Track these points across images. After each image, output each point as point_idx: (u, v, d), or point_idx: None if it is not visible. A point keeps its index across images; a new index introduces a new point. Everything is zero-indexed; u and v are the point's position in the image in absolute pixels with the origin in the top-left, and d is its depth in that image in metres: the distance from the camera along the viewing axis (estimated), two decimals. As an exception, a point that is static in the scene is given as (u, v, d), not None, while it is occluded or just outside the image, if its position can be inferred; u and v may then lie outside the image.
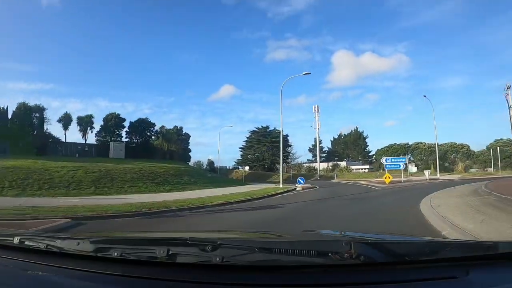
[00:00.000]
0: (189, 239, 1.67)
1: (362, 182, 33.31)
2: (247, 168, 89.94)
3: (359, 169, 73.57)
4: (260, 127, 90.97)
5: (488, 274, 1.28)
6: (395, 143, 77.17)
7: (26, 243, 1.80)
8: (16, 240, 1.82)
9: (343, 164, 69.84)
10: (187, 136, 72.47)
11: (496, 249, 1.35)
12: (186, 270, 1.40)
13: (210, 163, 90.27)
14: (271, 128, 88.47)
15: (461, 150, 78.40)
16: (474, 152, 76.58)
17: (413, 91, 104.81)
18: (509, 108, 41.53)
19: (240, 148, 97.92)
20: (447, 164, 61.40)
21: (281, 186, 29.17)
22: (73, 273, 1.50)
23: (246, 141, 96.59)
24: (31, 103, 51.70)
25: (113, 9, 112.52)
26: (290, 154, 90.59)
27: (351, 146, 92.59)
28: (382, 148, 78.16)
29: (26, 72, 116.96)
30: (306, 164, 70.83)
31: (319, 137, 71.24)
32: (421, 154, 73.37)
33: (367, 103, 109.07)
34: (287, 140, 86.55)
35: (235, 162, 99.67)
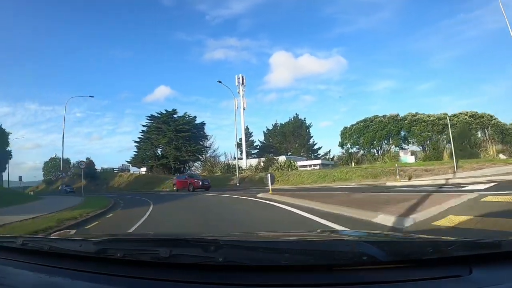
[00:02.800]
0: (191, 239, 1.65)
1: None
2: (143, 169, 69.31)
3: (306, 165, 51.80)
4: (164, 111, 67.22)
5: (491, 273, 1.27)
6: (376, 116, 54.71)
7: (29, 245, 1.83)
8: (19, 242, 1.84)
9: (281, 158, 46.68)
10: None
11: (499, 247, 1.36)
12: (188, 270, 1.40)
13: (88, 163, 64.16)
14: (180, 113, 66.63)
15: (490, 123, 47.50)
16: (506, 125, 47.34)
17: (346, 93, 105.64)
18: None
19: (135, 142, 72.82)
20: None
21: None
22: (76, 274, 1.49)
23: (142, 131, 71.32)
24: None
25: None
26: (206, 148, 67.99)
27: (290, 138, 71.20)
28: (354, 125, 56.32)
29: None
30: (231, 161, 51.49)
31: (244, 121, 53.07)
32: (425, 131, 48.21)
33: (303, 104, 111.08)
34: (203, 129, 68.87)
35: (127, 161, 74.52)
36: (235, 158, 45.56)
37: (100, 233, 4.20)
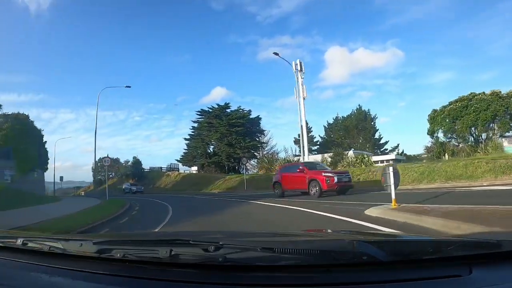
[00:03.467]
0: (191, 239, 1.67)
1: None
2: (194, 168, 63.86)
3: (378, 161, 44.15)
4: (216, 106, 62.13)
5: (491, 273, 1.30)
6: (473, 93, 39.69)
7: (29, 244, 1.87)
8: (19, 241, 1.89)
9: (351, 153, 39.53)
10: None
11: (499, 247, 1.39)
12: (188, 270, 1.44)
13: (135, 162, 67.75)
14: (233, 107, 60.64)
15: None
16: None
17: (403, 87, 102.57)
18: None
19: (185, 139, 67.54)
20: None
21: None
22: (76, 274, 1.52)
23: (192, 127, 66.33)
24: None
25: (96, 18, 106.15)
26: (263, 144, 61.99)
27: (353, 132, 63.30)
28: (447, 107, 41.12)
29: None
30: (291, 158, 43.30)
31: (304, 111, 40.32)
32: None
33: (360, 100, 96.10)
34: (258, 124, 61.78)
35: (177, 160, 69.04)
36: (295, 155, 42.28)
37: (101, 233, 4.48)
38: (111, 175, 79.74)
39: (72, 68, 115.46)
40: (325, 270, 1.33)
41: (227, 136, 52.71)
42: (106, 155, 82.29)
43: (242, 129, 53.50)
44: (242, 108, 55.65)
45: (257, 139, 56.18)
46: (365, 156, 33.51)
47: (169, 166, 65.93)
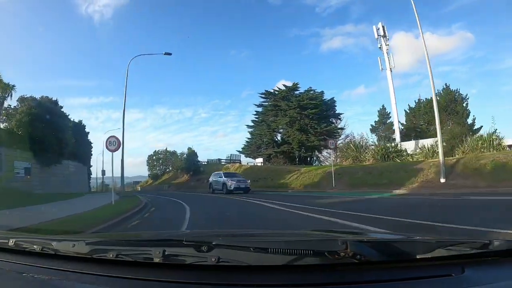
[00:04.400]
0: (184, 239, 1.71)
1: None
2: (259, 160, 53.31)
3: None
4: (282, 87, 52.95)
5: (483, 272, 1.35)
6: None
7: (21, 245, 1.89)
8: (11, 242, 1.90)
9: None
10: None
11: (491, 247, 1.46)
12: (182, 271, 1.46)
13: (190, 154, 59.06)
14: (302, 88, 51.24)
15: None
16: None
17: (472, 73, 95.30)
18: None
19: (249, 126, 58.11)
20: None
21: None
22: (69, 275, 1.54)
23: (256, 112, 56.98)
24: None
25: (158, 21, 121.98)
26: (339, 131, 51.94)
27: (443, 115, 45.04)
28: None
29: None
30: (389, 144, 33.99)
31: (393, 85, 38.63)
32: None
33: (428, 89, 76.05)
34: (333, 107, 51.64)
35: (239, 151, 59.75)
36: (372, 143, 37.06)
37: (93, 234, 4.57)
38: (167, 169, 73.65)
39: (137, 70, 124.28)
40: (319, 270, 1.38)
41: (298, 120, 47.91)
42: (165, 148, 76.74)
43: (316, 112, 47.85)
44: (313, 89, 50.64)
45: (333, 124, 50.93)
46: (493, 136, 25.53)
47: (229, 158, 58.69)
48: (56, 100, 36.85)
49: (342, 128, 51.27)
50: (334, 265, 1.38)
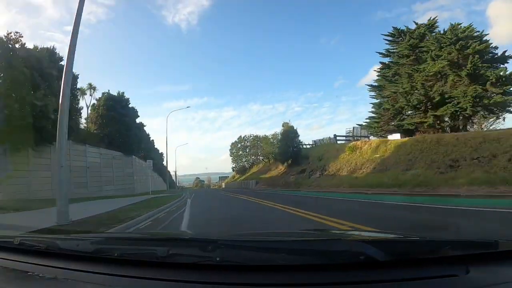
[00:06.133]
0: (189, 238, 1.89)
1: None
2: (393, 136, 34.53)
3: None
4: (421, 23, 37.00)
5: (488, 272, 1.38)
6: None
7: (26, 244, 2.00)
8: (16, 241, 2.02)
9: None
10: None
11: (496, 247, 1.49)
12: (186, 270, 1.53)
13: (287, 131, 42.17)
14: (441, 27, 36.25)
15: None
16: None
17: None
18: None
19: (369, 86, 37.92)
20: None
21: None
22: (73, 274, 1.62)
23: (381, 65, 36.48)
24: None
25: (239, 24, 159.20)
26: None
27: None
28: None
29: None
30: None
31: None
32: None
33: None
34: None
35: (359, 125, 39.59)
36: None
37: (98, 232, 4.67)
38: (257, 160, 58.43)
39: (225, 70, 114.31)
40: (323, 270, 1.43)
41: (461, 65, 30.35)
42: (240, 136, 70.45)
43: (482, 51, 31.24)
44: (459, 23, 33.53)
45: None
46: None
47: (350, 134, 39.36)
48: (123, 93, 42.53)
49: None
50: (338, 265, 1.43)
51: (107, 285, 1.45)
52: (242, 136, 72.04)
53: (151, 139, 64.12)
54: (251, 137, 70.22)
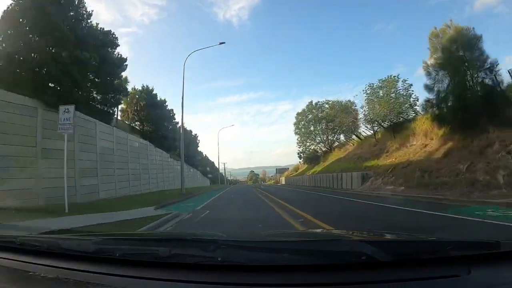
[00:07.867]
0: (191, 239, 1.91)
1: None
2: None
3: None
4: None
5: (490, 273, 1.40)
6: None
7: (28, 244, 2.05)
8: (18, 241, 2.08)
9: None
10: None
11: (498, 247, 1.50)
12: (188, 270, 1.55)
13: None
14: None
15: None
16: None
17: None
18: None
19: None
20: None
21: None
22: (75, 274, 1.64)
23: None
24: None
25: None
26: None
27: None
28: None
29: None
30: None
31: None
32: None
33: None
34: None
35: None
36: None
37: (100, 232, 4.46)
38: (338, 138, 40.98)
39: (279, 63, 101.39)
40: (324, 270, 1.45)
41: None
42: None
43: None
44: None
45: None
46: None
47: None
48: (152, 88, 42.90)
49: None
50: (339, 265, 1.45)
51: (108, 285, 1.46)
52: (315, 103, 56.68)
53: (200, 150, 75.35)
54: (329, 102, 53.83)
